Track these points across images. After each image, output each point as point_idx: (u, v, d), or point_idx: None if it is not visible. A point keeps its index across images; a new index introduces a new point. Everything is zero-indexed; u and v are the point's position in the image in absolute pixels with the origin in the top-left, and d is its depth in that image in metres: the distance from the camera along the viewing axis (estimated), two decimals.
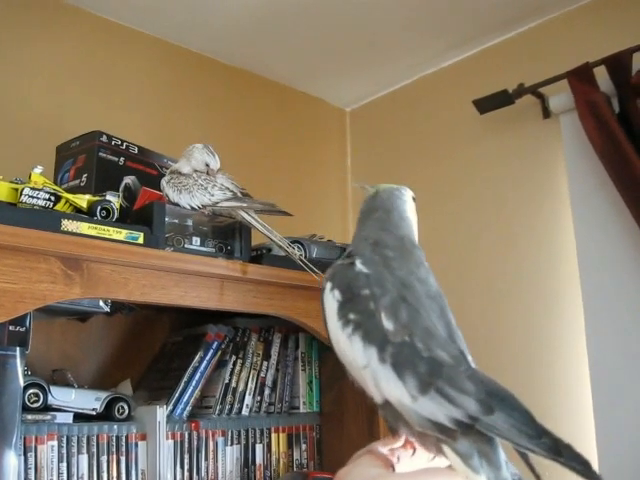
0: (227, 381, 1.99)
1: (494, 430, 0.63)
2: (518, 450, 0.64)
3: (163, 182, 1.77)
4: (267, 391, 2.07)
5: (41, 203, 1.52)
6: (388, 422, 0.71)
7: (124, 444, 1.75)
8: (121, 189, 1.78)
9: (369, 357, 0.69)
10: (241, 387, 2.01)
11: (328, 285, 0.76)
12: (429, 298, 0.74)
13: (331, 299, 0.75)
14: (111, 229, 1.53)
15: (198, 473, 1.88)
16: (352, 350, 0.71)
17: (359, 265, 0.76)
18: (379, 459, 0.69)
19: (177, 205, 1.72)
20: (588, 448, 2.01)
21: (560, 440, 0.61)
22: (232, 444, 1.97)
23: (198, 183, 1.73)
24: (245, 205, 1.74)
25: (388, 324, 0.70)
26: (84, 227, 1.49)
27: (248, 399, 2.02)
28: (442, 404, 0.65)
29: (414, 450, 0.70)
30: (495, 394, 0.65)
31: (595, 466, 0.59)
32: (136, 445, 1.77)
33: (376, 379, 0.68)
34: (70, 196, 1.57)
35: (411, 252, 0.79)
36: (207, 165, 1.77)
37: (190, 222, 1.75)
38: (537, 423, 0.63)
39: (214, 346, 1.99)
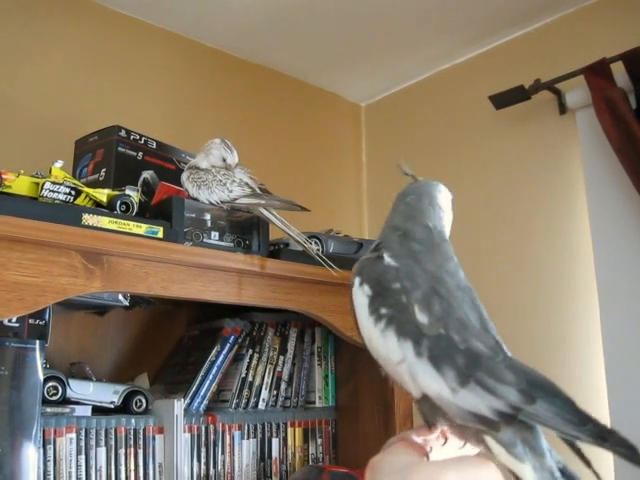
0: (244, 375, 2.00)
1: (537, 419, 0.63)
2: (563, 438, 0.64)
3: (183, 177, 1.78)
4: (283, 385, 2.08)
5: (62, 197, 1.52)
6: (424, 415, 0.70)
7: (142, 437, 1.76)
8: (140, 184, 1.78)
9: (404, 351, 0.68)
10: (257, 381, 2.02)
11: (357, 280, 0.74)
12: (460, 290, 0.73)
13: (360, 294, 0.73)
14: (131, 223, 1.54)
15: (215, 466, 1.89)
16: (386, 345, 0.69)
17: (387, 259, 0.74)
18: (413, 447, 0.68)
19: (197, 200, 1.73)
20: None
21: (605, 426, 0.61)
22: (248, 438, 1.98)
23: (217, 179, 1.73)
24: (264, 202, 1.74)
25: (422, 317, 0.69)
26: (105, 221, 1.50)
27: (264, 393, 2.03)
28: (483, 396, 0.64)
29: (445, 440, 0.70)
30: (536, 383, 0.65)
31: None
32: (153, 438, 1.78)
33: (413, 373, 0.67)
34: (90, 190, 1.58)
35: (440, 245, 0.78)
36: (224, 160, 1.78)
37: (208, 217, 1.76)
38: (580, 410, 0.63)
39: (231, 340, 1.99)
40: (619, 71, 2.09)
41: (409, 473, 0.62)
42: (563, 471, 0.64)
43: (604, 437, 0.61)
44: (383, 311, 0.70)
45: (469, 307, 0.72)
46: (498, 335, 0.71)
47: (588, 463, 0.65)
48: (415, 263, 0.74)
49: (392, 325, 0.69)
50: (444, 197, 0.86)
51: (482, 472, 0.62)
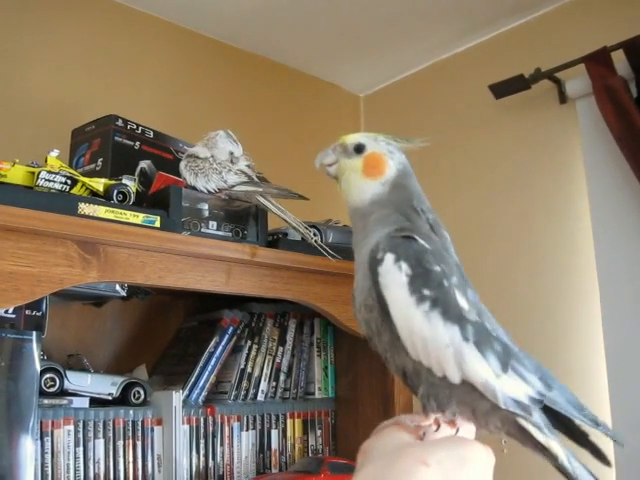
0: (242, 366, 1.99)
1: (556, 404, 0.69)
2: (574, 422, 0.71)
3: (181, 165, 1.76)
4: (282, 376, 2.07)
5: (58, 187, 1.51)
6: (430, 403, 0.70)
7: (140, 429, 1.75)
8: (137, 173, 1.77)
9: (452, 335, 0.68)
10: (256, 372, 2.01)
11: (390, 256, 0.71)
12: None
13: (396, 271, 0.70)
14: (128, 213, 1.52)
15: (214, 458, 1.88)
16: (430, 328, 0.68)
17: (420, 240, 0.73)
18: (406, 430, 0.69)
19: (194, 188, 1.72)
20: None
21: (593, 413, 0.70)
22: (247, 429, 1.97)
23: (213, 167, 1.72)
24: (261, 190, 1.73)
25: (462, 302, 0.70)
26: (101, 211, 1.48)
27: (263, 384, 2.02)
28: (519, 382, 0.68)
29: (438, 427, 0.70)
30: (546, 373, 0.71)
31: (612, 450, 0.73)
32: (152, 430, 1.77)
33: (460, 358, 0.68)
34: (86, 180, 1.57)
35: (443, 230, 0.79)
36: (231, 154, 1.77)
37: (206, 206, 1.74)
38: (577, 397, 0.70)
39: (229, 331, 1.98)
40: (620, 60, 2.08)
41: (399, 454, 0.63)
42: None
43: (596, 422, 0.69)
44: (426, 292, 0.70)
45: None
46: None
47: (599, 455, 0.72)
48: (442, 249, 0.75)
49: (437, 307, 0.69)
50: None
51: (468, 452, 0.64)
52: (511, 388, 0.68)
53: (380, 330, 0.72)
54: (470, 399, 0.69)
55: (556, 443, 0.69)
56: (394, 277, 0.70)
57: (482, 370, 0.68)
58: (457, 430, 0.71)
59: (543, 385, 0.69)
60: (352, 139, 0.82)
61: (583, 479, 0.69)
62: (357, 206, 0.79)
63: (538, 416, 0.69)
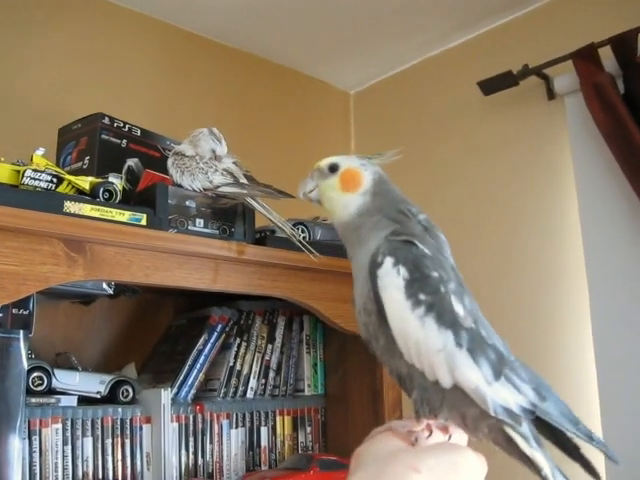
0: (231, 364, 1.99)
1: (549, 416, 0.69)
2: (567, 435, 0.71)
3: (169, 162, 1.76)
4: (272, 374, 2.07)
5: (43, 185, 1.50)
6: (423, 407, 0.71)
7: (129, 427, 1.75)
8: (124, 171, 1.77)
9: (444, 341, 0.69)
10: (245, 370, 2.01)
11: (389, 260, 0.73)
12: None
13: (394, 275, 0.72)
14: (114, 211, 1.52)
15: (203, 456, 1.88)
16: (424, 332, 0.70)
17: (420, 245, 0.74)
18: (398, 437, 0.70)
19: (181, 186, 1.71)
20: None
21: (587, 427, 0.70)
22: (237, 427, 1.97)
23: (200, 166, 1.72)
24: (245, 192, 1.72)
25: (459, 308, 0.71)
26: (87, 209, 1.48)
27: (253, 382, 2.02)
28: (511, 391, 0.69)
29: (430, 433, 0.71)
30: (542, 384, 0.71)
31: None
32: (141, 428, 1.77)
33: (452, 363, 0.69)
34: (72, 178, 1.56)
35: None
36: (213, 152, 1.76)
37: (193, 204, 1.74)
38: (572, 411, 0.70)
39: (218, 329, 1.98)
40: (607, 56, 2.09)
41: (391, 460, 0.64)
42: None
43: (591, 436, 0.69)
44: (422, 297, 0.71)
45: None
46: None
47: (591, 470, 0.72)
48: (439, 253, 0.76)
49: (432, 312, 0.70)
50: None
51: (459, 458, 0.65)
52: (502, 396, 0.68)
53: (377, 333, 0.73)
54: (461, 404, 0.69)
55: (541, 455, 0.69)
56: (392, 280, 0.72)
57: (473, 376, 0.68)
58: (450, 436, 0.72)
59: (536, 396, 0.69)
60: (326, 162, 0.84)
61: None
62: (345, 220, 0.81)
63: (527, 427, 0.69)
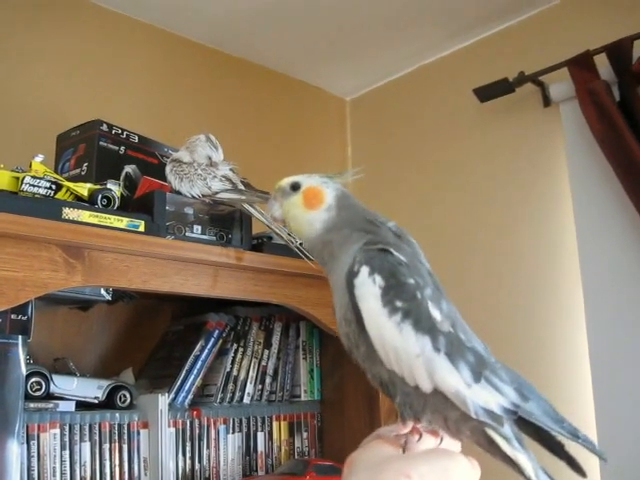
0: (228, 370, 2.00)
1: (532, 416, 0.69)
2: (551, 434, 0.71)
3: (167, 169, 1.77)
4: (268, 379, 2.08)
5: (42, 192, 1.52)
6: (407, 411, 0.72)
7: (126, 432, 1.76)
8: (122, 178, 1.78)
9: (422, 346, 0.70)
10: (242, 375, 2.02)
11: (365, 269, 0.74)
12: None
13: (370, 284, 0.73)
14: (112, 217, 1.53)
15: (200, 461, 1.88)
16: (402, 338, 0.70)
17: (395, 253, 0.75)
18: (389, 443, 0.71)
19: (179, 193, 1.72)
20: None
21: (573, 425, 0.70)
22: (234, 432, 1.97)
23: (198, 173, 1.73)
24: (243, 198, 1.73)
25: (435, 314, 0.72)
26: (85, 215, 1.49)
27: (249, 387, 2.03)
28: (492, 392, 0.69)
29: (420, 436, 0.71)
30: (524, 384, 0.71)
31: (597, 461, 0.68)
32: (138, 433, 1.78)
33: (430, 368, 0.69)
34: (71, 184, 1.57)
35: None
36: (210, 158, 1.77)
37: (191, 210, 1.75)
38: (556, 410, 0.70)
39: (215, 335, 1.99)
40: (603, 63, 2.10)
41: (382, 467, 0.65)
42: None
43: (576, 434, 0.69)
44: (399, 304, 0.72)
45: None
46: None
47: (577, 468, 0.72)
48: (415, 259, 0.76)
49: (409, 319, 0.71)
50: None
51: (451, 464, 0.66)
52: (483, 398, 0.69)
53: (357, 341, 0.74)
54: (442, 408, 0.70)
55: (524, 456, 0.69)
56: (368, 289, 0.73)
57: (453, 380, 0.69)
58: (441, 440, 0.72)
59: (518, 396, 0.69)
60: (287, 180, 0.84)
61: None
62: (313, 237, 0.81)
63: (509, 428, 0.70)
